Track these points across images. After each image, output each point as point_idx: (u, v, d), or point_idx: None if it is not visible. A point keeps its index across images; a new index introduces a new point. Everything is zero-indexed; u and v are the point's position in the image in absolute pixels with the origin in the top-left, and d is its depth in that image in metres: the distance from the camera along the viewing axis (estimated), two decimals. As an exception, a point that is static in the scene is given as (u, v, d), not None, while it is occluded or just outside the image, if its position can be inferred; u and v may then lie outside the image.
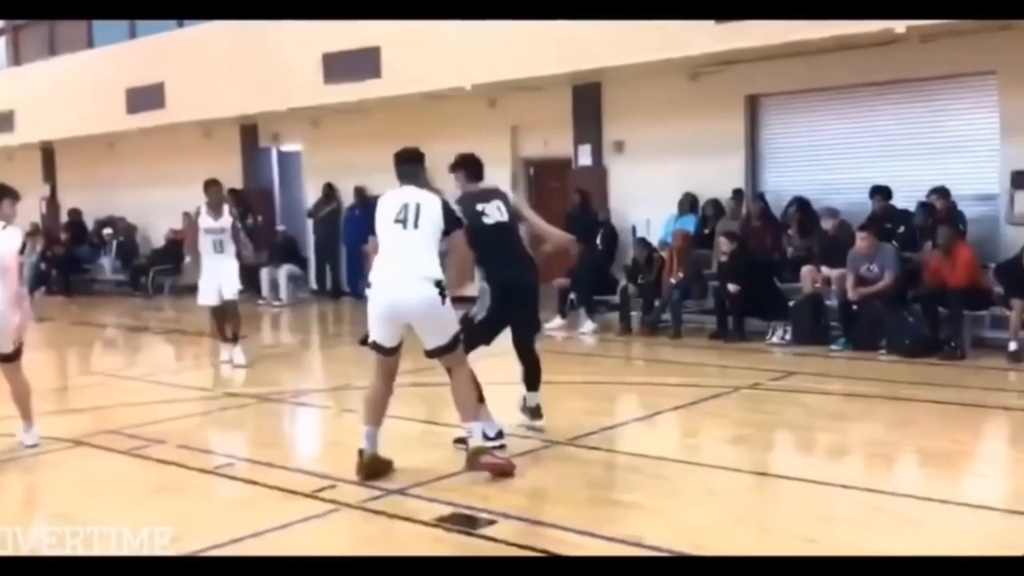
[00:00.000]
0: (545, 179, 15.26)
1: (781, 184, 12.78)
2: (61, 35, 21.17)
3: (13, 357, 6.69)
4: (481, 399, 6.16)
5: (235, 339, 10.39)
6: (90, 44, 20.30)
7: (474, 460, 5.71)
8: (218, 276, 10.15)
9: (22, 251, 6.76)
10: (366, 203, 15.11)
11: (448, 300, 5.69)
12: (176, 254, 18.03)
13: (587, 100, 14.25)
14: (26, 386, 6.79)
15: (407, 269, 5.63)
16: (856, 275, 10.45)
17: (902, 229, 11.07)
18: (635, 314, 12.23)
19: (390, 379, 5.85)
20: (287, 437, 8.04)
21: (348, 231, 16.41)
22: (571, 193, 14.01)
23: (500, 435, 6.28)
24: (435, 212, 5.75)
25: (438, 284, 5.64)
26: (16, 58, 22.33)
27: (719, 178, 12.81)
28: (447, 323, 5.78)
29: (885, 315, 10.21)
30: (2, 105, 21.21)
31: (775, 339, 10.97)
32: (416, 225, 5.67)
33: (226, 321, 10.44)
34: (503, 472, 5.66)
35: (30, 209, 21.04)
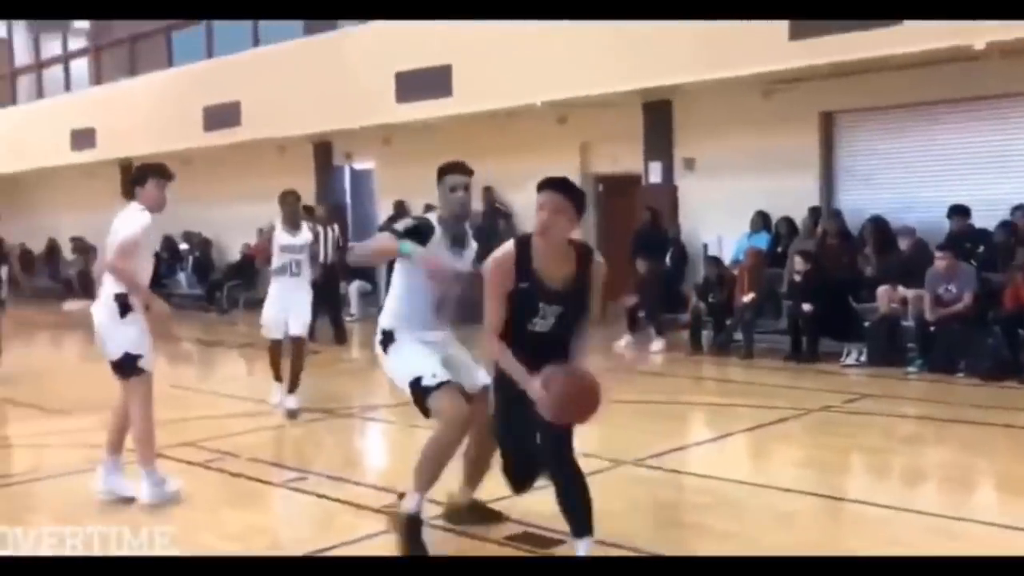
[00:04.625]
0: (614, 196, 15.21)
1: (857, 202, 12.58)
2: (141, 54, 21.69)
3: (125, 370, 5.70)
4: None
5: (293, 384, 8.59)
6: (169, 63, 20.76)
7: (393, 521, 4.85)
8: (288, 306, 8.62)
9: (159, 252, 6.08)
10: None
11: (391, 349, 4.86)
12: (250, 269, 18.30)
13: (658, 116, 14.19)
14: (144, 424, 5.72)
15: None
16: (934, 296, 10.23)
17: (981, 249, 10.81)
18: (706, 333, 12.11)
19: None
20: (357, 452, 8.10)
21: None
22: (641, 210, 13.94)
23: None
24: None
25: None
26: (98, 77, 22.92)
27: (792, 196, 12.65)
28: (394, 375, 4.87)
29: (963, 337, 9.97)
30: (84, 123, 21.79)
31: (850, 360, 10.78)
32: None
33: (284, 358, 8.75)
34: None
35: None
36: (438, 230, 4.79)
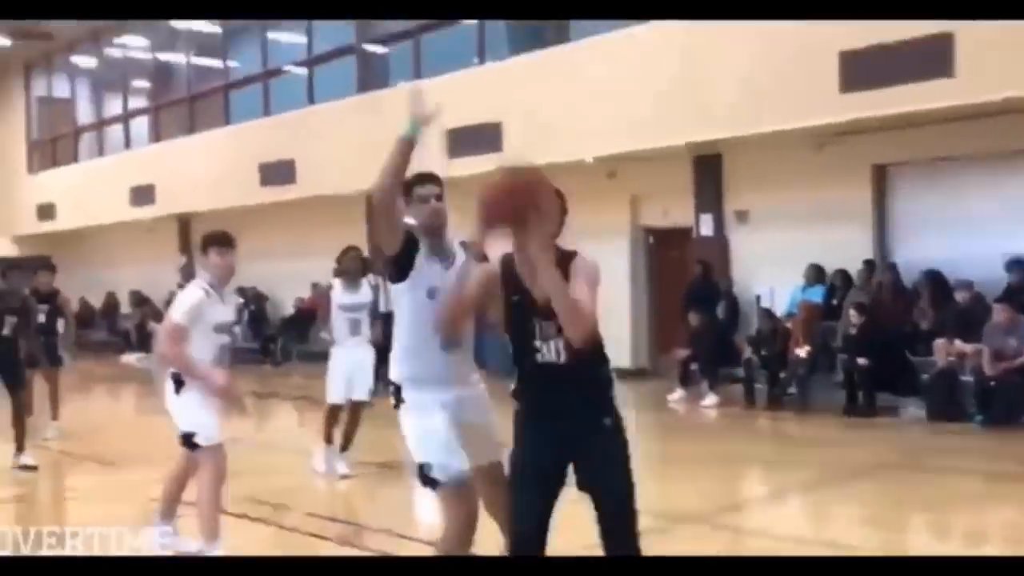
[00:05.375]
0: (665, 249, 15.19)
1: (912, 255, 12.42)
2: (200, 113, 22.18)
3: (187, 445, 5.58)
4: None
5: (345, 446, 8.39)
6: (226, 121, 21.19)
7: None
8: (351, 370, 8.30)
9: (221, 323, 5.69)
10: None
11: (402, 411, 4.37)
12: (304, 322, 18.51)
13: (708, 169, 14.19)
14: (207, 496, 5.51)
15: None
16: (993, 350, 10.05)
17: (1042, 302, 10.63)
18: (759, 387, 11.99)
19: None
20: (412, 506, 8.08)
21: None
22: (692, 263, 13.91)
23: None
24: None
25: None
26: (157, 135, 23.45)
27: (846, 248, 12.54)
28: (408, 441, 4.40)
29: (1025, 391, 9.79)
30: (143, 180, 22.27)
31: (908, 415, 10.61)
32: None
33: (339, 422, 8.40)
34: None
35: (170, 280, 21.96)
36: (422, 243, 4.34)
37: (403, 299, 4.34)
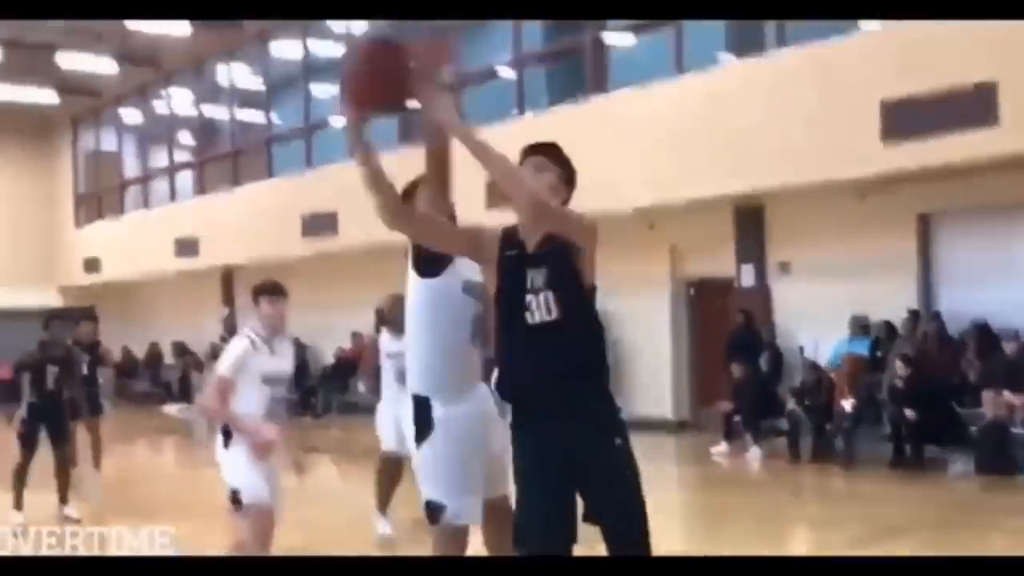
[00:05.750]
0: (706, 300, 15.09)
1: (957, 304, 12.24)
2: (243, 166, 22.48)
3: (233, 503, 5.36)
4: None
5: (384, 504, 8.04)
6: (270, 174, 21.46)
7: None
8: (399, 416, 7.70)
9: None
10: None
11: (428, 438, 4.02)
12: (344, 372, 18.55)
13: (749, 220, 14.12)
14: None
15: None
16: (1044, 402, 9.85)
17: (1093, 353, 10.42)
18: (804, 440, 11.80)
19: None
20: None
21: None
22: (734, 314, 13.80)
23: None
24: None
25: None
26: (202, 188, 23.79)
27: (891, 299, 12.39)
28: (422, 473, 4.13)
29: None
30: (188, 231, 22.56)
31: (956, 469, 10.39)
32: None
33: (393, 476, 7.99)
34: None
35: (212, 331, 22.15)
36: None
37: (435, 297, 4.00)
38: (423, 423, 3.98)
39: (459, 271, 3.98)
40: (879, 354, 12.21)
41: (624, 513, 3.51)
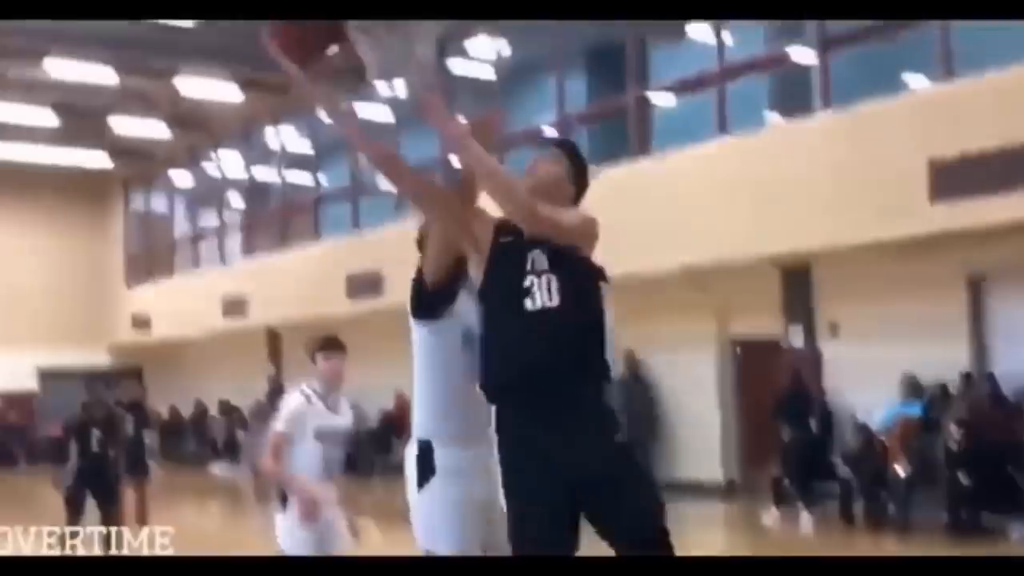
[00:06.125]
0: (754, 361, 14.91)
1: (1012, 366, 11.98)
2: (291, 227, 22.75)
3: None
4: None
5: None
6: (317, 234, 21.68)
7: None
8: None
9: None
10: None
11: (427, 487, 3.81)
12: (387, 433, 18.50)
13: (797, 280, 13.98)
14: None
15: None
16: (1106, 467, 9.57)
17: None
18: (857, 504, 11.55)
19: None
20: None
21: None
22: (782, 374, 13.62)
23: None
24: None
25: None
26: (250, 248, 24.08)
27: (944, 360, 12.14)
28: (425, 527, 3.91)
29: None
30: (235, 291, 22.79)
31: (1016, 535, 10.09)
32: None
33: None
34: None
35: (258, 389, 22.26)
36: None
37: (434, 340, 3.79)
38: (425, 469, 3.78)
39: (460, 316, 3.77)
40: (932, 417, 11.95)
41: (641, 516, 3.16)
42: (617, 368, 3.46)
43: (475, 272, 3.48)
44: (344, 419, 5.61)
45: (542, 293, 3.22)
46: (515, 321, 3.23)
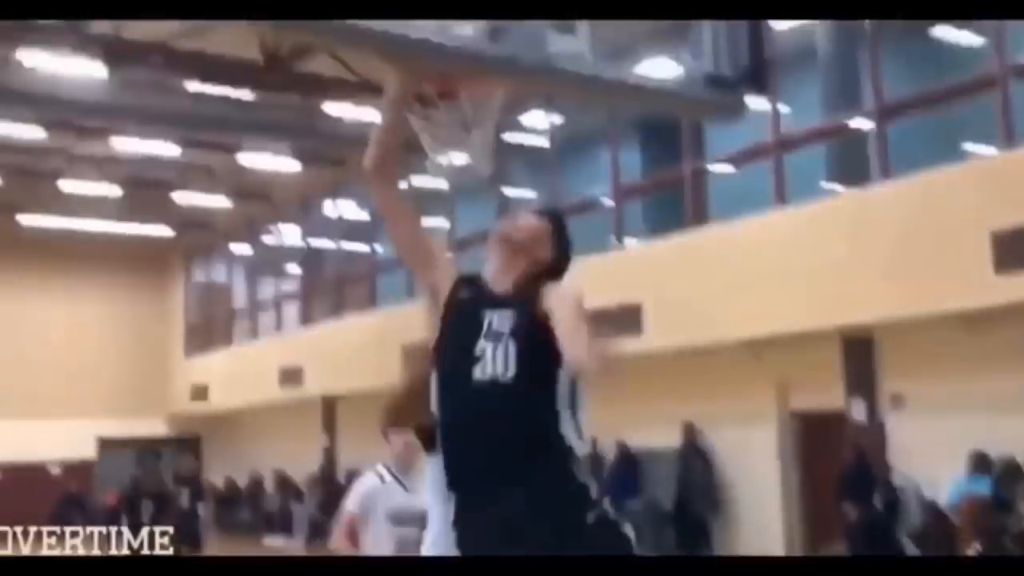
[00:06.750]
0: (816, 435, 14.57)
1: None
2: (348, 296, 22.90)
3: None
4: None
5: None
6: (373, 304, 21.77)
7: None
8: None
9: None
10: (628, 458, 14.93)
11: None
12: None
13: (859, 352, 13.69)
14: None
15: None
16: None
17: None
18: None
19: None
20: None
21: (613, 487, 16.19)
22: (844, 449, 13.28)
23: None
24: None
25: None
26: (307, 317, 24.26)
27: (1012, 434, 11.77)
28: None
29: None
30: (293, 361, 22.92)
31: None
32: None
33: None
34: None
35: (313, 461, 22.26)
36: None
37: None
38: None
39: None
40: (1002, 494, 11.54)
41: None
42: (583, 442, 3.04)
43: (434, 324, 3.13)
44: (420, 499, 5.27)
45: (495, 362, 2.82)
46: (460, 393, 2.85)
